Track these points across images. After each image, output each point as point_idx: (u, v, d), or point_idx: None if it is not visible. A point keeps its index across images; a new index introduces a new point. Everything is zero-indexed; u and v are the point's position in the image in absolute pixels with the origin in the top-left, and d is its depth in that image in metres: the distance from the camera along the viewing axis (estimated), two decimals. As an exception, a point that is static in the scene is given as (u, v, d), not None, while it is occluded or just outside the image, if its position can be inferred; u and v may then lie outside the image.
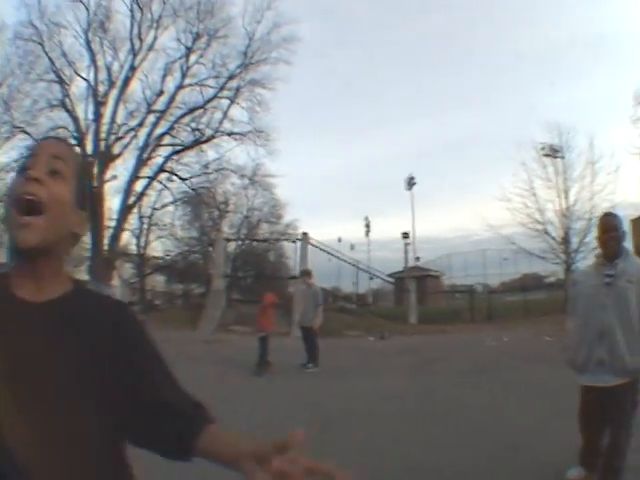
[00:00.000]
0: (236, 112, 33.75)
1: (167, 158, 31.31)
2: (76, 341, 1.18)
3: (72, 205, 1.25)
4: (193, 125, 31.38)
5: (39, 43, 27.09)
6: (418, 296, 25.39)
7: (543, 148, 27.48)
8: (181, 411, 1.24)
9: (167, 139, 30.90)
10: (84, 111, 29.04)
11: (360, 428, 6.96)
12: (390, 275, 33.32)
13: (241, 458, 1.00)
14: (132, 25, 29.56)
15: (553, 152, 27.31)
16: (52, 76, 28.06)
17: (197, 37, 30.38)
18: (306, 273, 13.65)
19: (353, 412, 7.86)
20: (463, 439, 6.25)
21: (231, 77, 30.81)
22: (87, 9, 28.58)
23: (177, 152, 31.39)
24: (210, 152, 31.87)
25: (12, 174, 26.97)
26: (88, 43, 28.79)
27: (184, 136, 31.43)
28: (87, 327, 1.22)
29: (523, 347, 15.36)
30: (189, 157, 31.81)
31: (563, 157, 27.22)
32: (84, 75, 29.23)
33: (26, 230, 1.13)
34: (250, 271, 36.61)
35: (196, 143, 30.05)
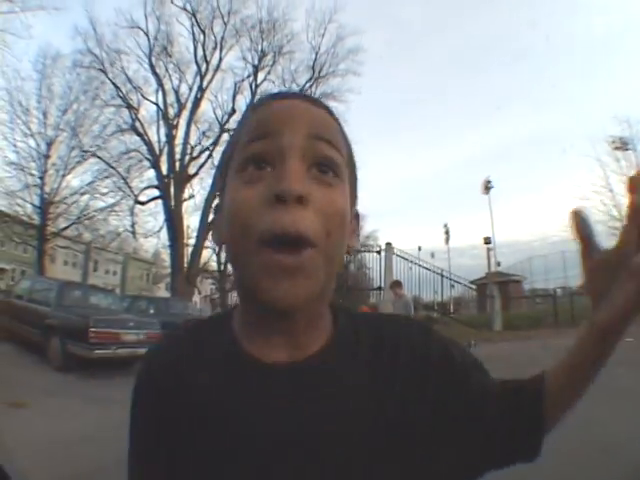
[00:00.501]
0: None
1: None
2: (341, 412, 0.78)
3: (350, 213, 0.80)
4: (269, 141, 31.44)
5: (101, 70, 27.79)
6: (501, 302, 24.96)
7: (613, 141, 26.82)
8: (509, 395, 0.91)
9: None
10: (156, 133, 29.66)
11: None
12: (472, 282, 32.89)
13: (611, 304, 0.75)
14: (195, 47, 30.16)
15: (623, 145, 26.60)
16: (119, 101, 28.76)
17: (263, 55, 30.75)
18: (396, 284, 13.57)
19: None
20: (556, 444, 6.05)
21: (302, 92, 30.53)
22: (147, 35, 29.35)
23: (255, 168, 31.27)
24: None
25: (85, 198, 27.71)
26: (152, 67, 29.57)
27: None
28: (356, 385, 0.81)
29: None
30: (267, 173, 31.67)
31: (634, 149, 26.52)
32: (152, 99, 29.99)
33: (293, 281, 0.69)
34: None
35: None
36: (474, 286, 33.08)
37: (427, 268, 25.21)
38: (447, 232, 55.98)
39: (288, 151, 0.72)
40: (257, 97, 0.97)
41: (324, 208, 0.71)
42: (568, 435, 5.66)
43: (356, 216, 0.89)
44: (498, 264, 37.12)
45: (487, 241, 31.94)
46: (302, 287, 0.69)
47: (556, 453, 5.30)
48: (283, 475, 0.75)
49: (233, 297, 32.75)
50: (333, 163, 0.75)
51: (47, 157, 26.08)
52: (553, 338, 19.40)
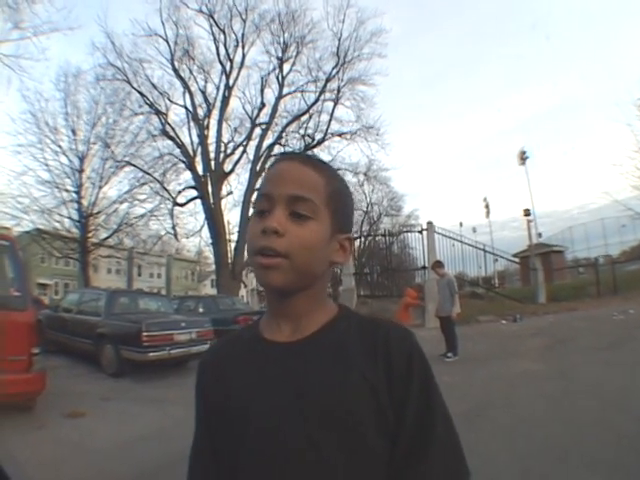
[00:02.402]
0: (342, 112, 33.99)
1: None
2: (323, 383, 1.07)
3: (326, 239, 1.14)
4: (301, 131, 31.58)
5: (125, 80, 27.82)
6: (544, 274, 24.65)
7: (641, 104, 26.23)
8: None
9: (277, 148, 30.99)
10: (188, 135, 29.75)
11: (504, 413, 6.94)
12: (515, 255, 32.61)
13: None
14: (217, 47, 30.05)
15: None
16: (147, 108, 28.78)
17: (286, 47, 30.55)
18: (437, 264, 13.56)
19: (496, 398, 7.86)
20: (599, 417, 6.21)
21: (329, 79, 30.64)
22: (167, 41, 29.25)
23: (290, 160, 31.11)
24: (322, 155, 31.29)
25: (124, 206, 27.99)
26: (176, 72, 29.46)
27: (294, 143, 31.54)
28: (339, 365, 1.09)
29: (649, 319, 14.72)
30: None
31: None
32: (180, 102, 29.94)
33: (267, 272, 1.10)
34: (375, 266, 36.65)
35: (307, 148, 29.92)
36: (517, 259, 32.86)
37: (469, 244, 25.01)
38: (487, 206, 55.53)
39: (275, 205, 1.11)
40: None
41: (294, 238, 1.08)
42: (614, 410, 5.72)
43: (348, 239, 1.21)
44: (539, 235, 36.82)
45: (527, 213, 31.60)
46: (274, 277, 1.08)
47: (596, 425, 5.39)
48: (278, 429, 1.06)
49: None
50: (305, 210, 1.10)
51: (81, 171, 26.33)
52: (596, 308, 19.22)
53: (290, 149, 31.12)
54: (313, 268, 1.13)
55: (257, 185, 30.28)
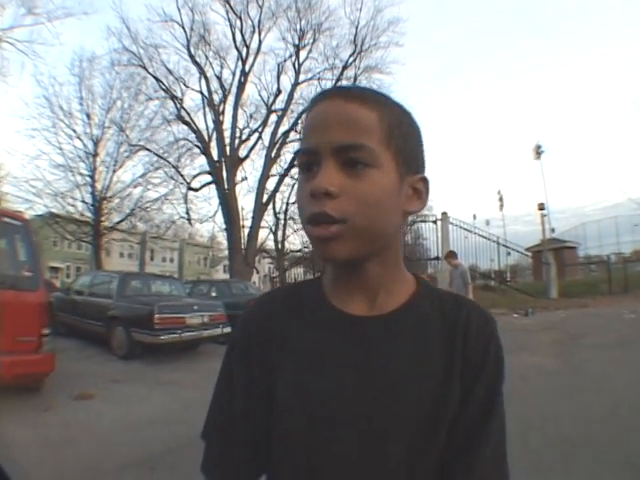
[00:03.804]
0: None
1: (296, 153, 30.71)
2: (407, 373, 0.96)
3: (394, 188, 0.95)
4: (318, 118, 31.25)
5: (141, 66, 27.86)
6: (556, 269, 24.59)
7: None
8: None
9: (293, 135, 30.92)
10: (203, 121, 29.76)
11: (515, 406, 6.83)
12: (527, 249, 32.52)
13: None
14: (233, 33, 29.96)
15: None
16: (162, 93, 28.81)
17: (302, 34, 30.45)
18: (450, 254, 13.53)
19: (507, 390, 7.69)
20: (609, 413, 6.22)
21: (346, 67, 30.57)
22: (182, 27, 29.19)
23: (305, 147, 31.00)
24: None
25: (138, 190, 28.00)
26: (192, 57, 29.42)
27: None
28: (423, 352, 0.99)
29: (660, 319, 14.69)
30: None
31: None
32: (195, 87, 29.97)
33: (325, 244, 0.92)
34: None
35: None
36: (529, 253, 32.77)
37: (483, 236, 24.97)
38: (501, 199, 55.39)
39: (322, 158, 0.91)
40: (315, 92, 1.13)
41: (352, 196, 0.90)
42: (624, 406, 5.70)
43: (421, 179, 1.02)
44: (552, 230, 36.70)
45: (541, 207, 31.44)
46: (335, 249, 0.91)
47: (606, 420, 5.37)
48: (350, 419, 0.95)
49: (292, 275, 32.97)
50: (360, 157, 0.90)
51: (95, 155, 26.45)
52: (607, 306, 19.19)
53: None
54: (383, 227, 0.95)
55: (272, 171, 30.36)
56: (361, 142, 0.91)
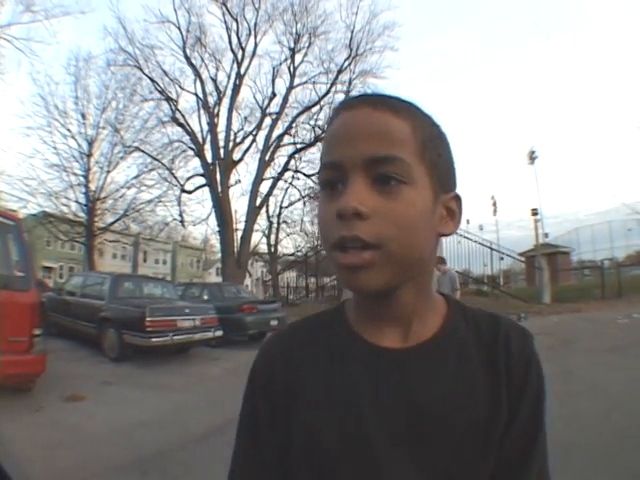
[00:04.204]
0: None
1: (290, 157, 31.45)
2: (449, 403, 0.87)
3: (429, 208, 0.85)
4: (312, 123, 31.37)
5: (136, 66, 27.80)
6: (549, 274, 24.65)
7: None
8: None
9: (287, 139, 31.11)
10: (197, 123, 29.76)
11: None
12: (520, 254, 32.61)
13: None
14: (229, 36, 29.92)
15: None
16: (157, 95, 28.80)
17: (298, 37, 30.47)
18: (438, 260, 13.51)
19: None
20: (601, 417, 6.26)
21: (341, 71, 30.46)
22: (179, 28, 29.14)
23: (299, 150, 31.38)
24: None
25: (131, 192, 27.98)
26: (188, 59, 29.39)
27: (304, 134, 31.47)
28: (464, 379, 0.90)
29: (652, 323, 14.76)
30: (312, 154, 31.51)
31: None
32: (190, 89, 29.90)
33: (356, 273, 0.82)
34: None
35: (318, 139, 29.64)
36: (523, 258, 32.85)
37: (476, 241, 25.05)
38: (494, 204, 55.43)
39: (350, 174, 0.82)
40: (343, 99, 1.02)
41: (386, 217, 0.80)
42: (615, 411, 5.71)
43: (454, 198, 0.93)
44: (546, 235, 36.74)
45: (534, 212, 31.52)
46: (367, 279, 0.81)
47: (598, 425, 5.37)
48: (394, 461, 0.86)
49: (284, 279, 32.96)
50: (394, 172, 0.81)
51: (89, 156, 26.42)
52: (600, 311, 19.26)
53: (300, 140, 31.49)
54: (420, 253, 0.86)
55: (266, 175, 30.41)
56: (395, 154, 0.81)
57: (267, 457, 0.94)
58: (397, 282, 0.85)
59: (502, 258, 28.10)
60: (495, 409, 0.89)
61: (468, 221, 50.00)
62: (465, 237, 24.43)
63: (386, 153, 0.81)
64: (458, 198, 0.94)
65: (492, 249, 25.66)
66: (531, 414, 0.92)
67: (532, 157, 36.33)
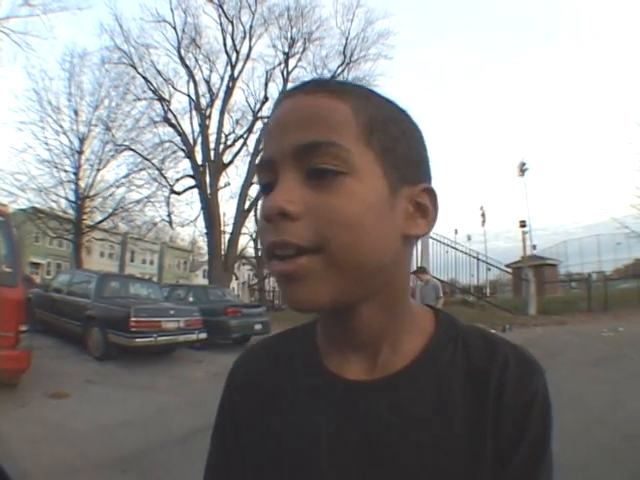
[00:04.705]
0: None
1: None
2: (417, 448, 0.74)
3: (381, 202, 0.70)
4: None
5: (131, 65, 27.87)
6: (536, 286, 24.68)
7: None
8: None
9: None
10: (189, 124, 29.79)
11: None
12: (508, 265, 32.67)
13: None
14: (224, 38, 30.07)
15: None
16: (150, 94, 28.87)
17: (292, 42, 30.58)
18: (420, 270, 13.58)
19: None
20: (582, 431, 6.19)
21: (334, 77, 30.34)
22: (174, 28, 29.27)
23: (290, 155, 31.08)
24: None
25: (121, 191, 27.99)
26: (182, 60, 29.51)
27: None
28: (440, 419, 0.75)
29: (638, 337, 14.64)
30: (303, 159, 31.33)
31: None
32: (183, 90, 30.00)
33: (291, 285, 0.70)
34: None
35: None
36: (510, 269, 32.92)
37: (463, 251, 25.11)
38: (483, 215, 55.55)
39: (279, 169, 0.71)
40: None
41: (321, 214, 0.67)
42: (595, 424, 5.75)
43: (425, 191, 0.77)
44: (534, 247, 36.93)
45: (522, 224, 31.63)
46: (304, 292, 0.69)
47: (579, 438, 5.40)
48: None
49: (271, 283, 32.92)
50: (327, 161, 0.68)
51: (80, 153, 26.50)
52: (586, 324, 19.30)
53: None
54: (375, 257, 0.70)
55: (255, 178, 30.42)
56: (328, 139, 0.68)
57: (234, 468, 0.86)
58: (350, 297, 0.72)
59: (489, 269, 28.17)
60: (475, 460, 0.73)
61: (456, 231, 50.22)
62: (452, 247, 24.47)
63: (316, 138, 0.68)
64: (431, 192, 0.78)
65: (479, 259, 25.72)
66: (527, 467, 0.73)
67: (522, 169, 36.44)
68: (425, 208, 0.76)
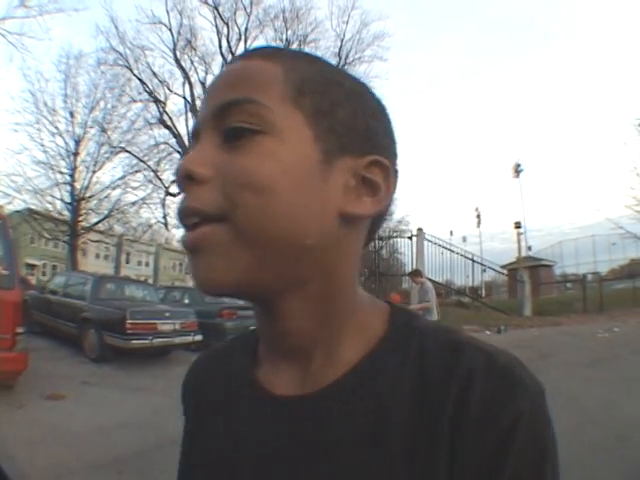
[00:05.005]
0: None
1: None
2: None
3: (308, 168, 0.59)
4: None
5: (126, 67, 27.75)
6: (531, 287, 24.73)
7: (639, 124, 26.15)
8: None
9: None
10: (184, 126, 29.67)
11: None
12: (503, 266, 32.71)
13: None
14: (220, 40, 29.94)
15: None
16: (146, 96, 28.74)
17: (288, 44, 30.39)
18: (414, 273, 13.57)
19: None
20: (575, 431, 6.18)
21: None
22: (170, 30, 29.08)
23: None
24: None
25: (116, 192, 27.91)
26: (178, 61, 29.37)
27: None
28: (375, 449, 0.58)
29: (633, 338, 14.77)
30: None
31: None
32: (179, 92, 29.87)
33: (197, 259, 0.60)
34: (363, 269, 36.83)
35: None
36: (505, 271, 32.96)
37: (458, 253, 25.12)
38: (478, 216, 55.59)
39: (201, 134, 0.64)
40: None
41: (230, 176, 0.58)
42: (589, 424, 5.79)
43: (375, 164, 0.64)
44: (529, 248, 36.99)
45: (517, 225, 31.75)
46: (208, 267, 0.59)
47: (572, 438, 5.44)
48: None
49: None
50: (246, 119, 0.59)
51: (76, 154, 26.37)
52: (581, 325, 19.32)
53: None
54: (295, 229, 0.59)
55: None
56: (246, 96, 0.60)
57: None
58: (263, 280, 0.60)
59: (484, 270, 28.22)
60: None
61: (452, 232, 50.32)
62: (447, 248, 24.49)
63: (235, 97, 0.60)
64: (383, 166, 0.65)
65: (474, 261, 25.74)
66: None
67: (517, 170, 36.58)
68: (375, 185, 0.64)
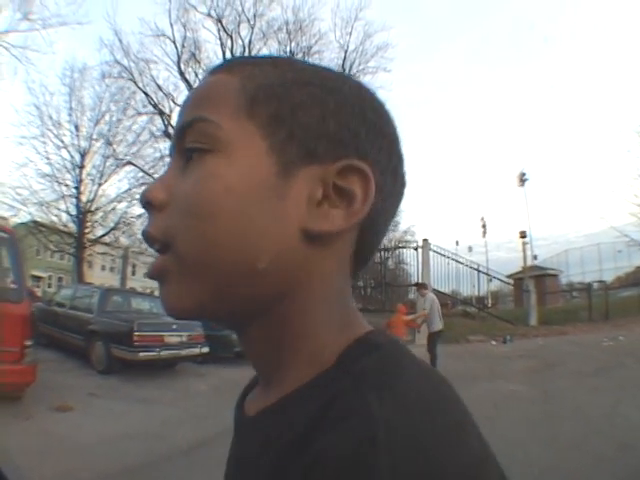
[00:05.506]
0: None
1: None
2: None
3: (263, 182, 0.55)
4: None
5: (131, 80, 27.82)
6: (537, 296, 24.65)
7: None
8: None
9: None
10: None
11: (487, 433, 6.89)
12: (509, 276, 32.62)
13: None
14: (224, 52, 29.99)
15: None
16: (150, 109, 28.81)
17: (292, 55, 30.56)
18: (420, 286, 13.63)
19: (478, 418, 7.74)
20: (580, 441, 6.26)
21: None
22: (174, 42, 29.15)
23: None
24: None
25: (122, 205, 27.94)
26: (182, 74, 29.43)
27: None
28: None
29: (638, 346, 14.66)
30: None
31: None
32: (184, 105, 29.89)
33: (160, 290, 0.59)
34: (370, 280, 36.77)
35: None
36: (511, 280, 32.89)
37: (464, 263, 25.10)
38: (484, 226, 55.48)
39: (171, 157, 0.64)
40: None
41: (177, 203, 0.57)
42: (593, 434, 5.83)
43: (349, 169, 0.57)
44: (534, 257, 36.92)
45: (523, 235, 31.70)
46: (166, 294, 0.58)
47: (576, 448, 5.49)
48: None
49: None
50: (193, 140, 0.58)
51: (82, 167, 26.47)
52: (587, 334, 19.26)
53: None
54: (237, 256, 0.54)
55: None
56: (195, 115, 0.58)
57: None
58: (221, 305, 0.57)
59: (490, 280, 28.17)
60: None
61: (458, 242, 50.23)
62: (453, 259, 24.48)
63: (191, 117, 0.59)
64: (359, 171, 0.57)
65: (480, 271, 25.71)
66: None
67: (522, 179, 36.49)
68: (350, 194, 0.56)
